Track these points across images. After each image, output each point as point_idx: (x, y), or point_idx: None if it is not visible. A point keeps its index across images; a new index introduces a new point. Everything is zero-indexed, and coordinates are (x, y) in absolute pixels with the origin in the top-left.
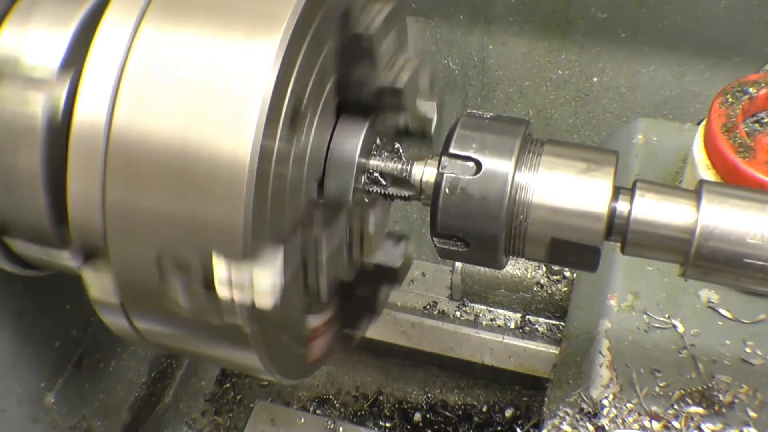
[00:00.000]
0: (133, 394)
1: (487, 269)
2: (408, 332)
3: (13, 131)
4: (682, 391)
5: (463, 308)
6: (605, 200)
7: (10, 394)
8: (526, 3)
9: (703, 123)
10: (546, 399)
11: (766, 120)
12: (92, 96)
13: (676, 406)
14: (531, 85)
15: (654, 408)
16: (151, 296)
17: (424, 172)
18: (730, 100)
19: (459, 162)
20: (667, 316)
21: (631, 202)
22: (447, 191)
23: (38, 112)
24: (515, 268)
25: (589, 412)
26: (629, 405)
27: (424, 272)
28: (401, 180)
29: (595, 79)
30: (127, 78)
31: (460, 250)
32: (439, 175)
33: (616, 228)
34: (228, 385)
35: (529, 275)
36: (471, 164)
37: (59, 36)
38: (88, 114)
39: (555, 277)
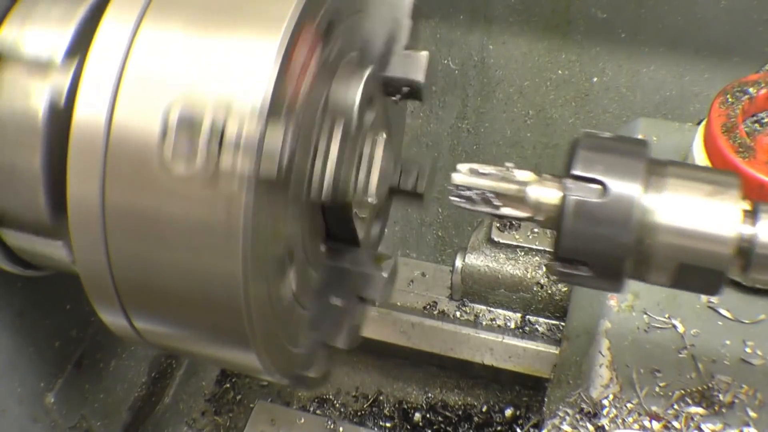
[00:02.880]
0: (133, 394)
1: (486, 269)
2: (408, 332)
3: (15, 119)
4: (682, 391)
5: (463, 308)
6: (734, 224)
7: (11, 394)
8: (526, 3)
9: (703, 123)
10: (546, 399)
11: (766, 120)
12: (93, 89)
13: (676, 406)
14: (531, 85)
15: (654, 408)
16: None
17: (542, 192)
18: (730, 100)
19: (584, 184)
20: (667, 316)
21: (754, 225)
22: (573, 214)
23: (41, 100)
24: (515, 267)
25: (589, 412)
26: (629, 405)
27: (424, 272)
28: (516, 199)
29: (595, 79)
30: (128, 72)
31: (584, 274)
32: (564, 198)
33: (741, 251)
34: (228, 385)
35: (529, 275)
36: (596, 186)
37: (62, 28)
38: (90, 105)
39: (555, 277)
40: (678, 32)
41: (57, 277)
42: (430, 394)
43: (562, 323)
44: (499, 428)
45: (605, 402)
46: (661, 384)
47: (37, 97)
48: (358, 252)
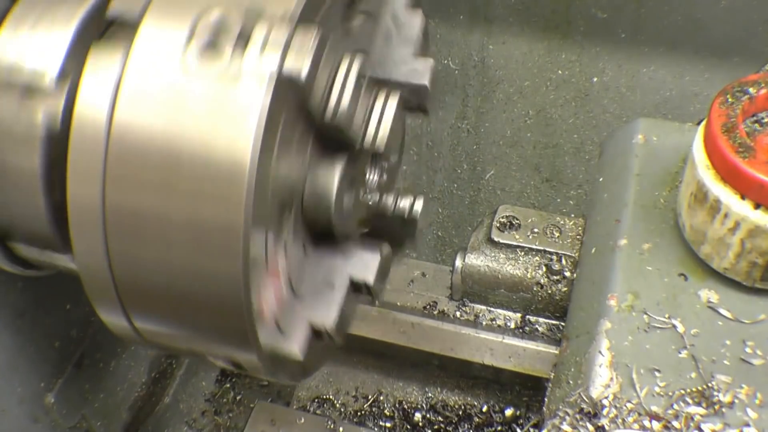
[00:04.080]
0: (133, 394)
1: (486, 269)
2: (408, 332)
3: (12, 139)
4: (682, 391)
5: (463, 308)
6: None
7: (11, 394)
8: (526, 3)
9: (703, 123)
10: (546, 399)
11: (766, 120)
12: (91, 102)
13: (676, 406)
14: (531, 85)
15: (654, 408)
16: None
17: None
18: (730, 100)
19: None
20: (666, 316)
21: None
22: None
23: (37, 121)
24: (515, 267)
25: (589, 412)
26: (629, 405)
27: (424, 272)
28: None
29: (595, 79)
30: (126, 81)
31: None
32: None
33: None
34: (228, 385)
35: (529, 275)
36: None
37: (58, 39)
38: (88, 119)
39: (555, 277)
40: (678, 32)
41: (57, 277)
42: (430, 394)
43: (562, 323)
44: (499, 428)
45: (605, 402)
46: (661, 384)
47: (34, 115)
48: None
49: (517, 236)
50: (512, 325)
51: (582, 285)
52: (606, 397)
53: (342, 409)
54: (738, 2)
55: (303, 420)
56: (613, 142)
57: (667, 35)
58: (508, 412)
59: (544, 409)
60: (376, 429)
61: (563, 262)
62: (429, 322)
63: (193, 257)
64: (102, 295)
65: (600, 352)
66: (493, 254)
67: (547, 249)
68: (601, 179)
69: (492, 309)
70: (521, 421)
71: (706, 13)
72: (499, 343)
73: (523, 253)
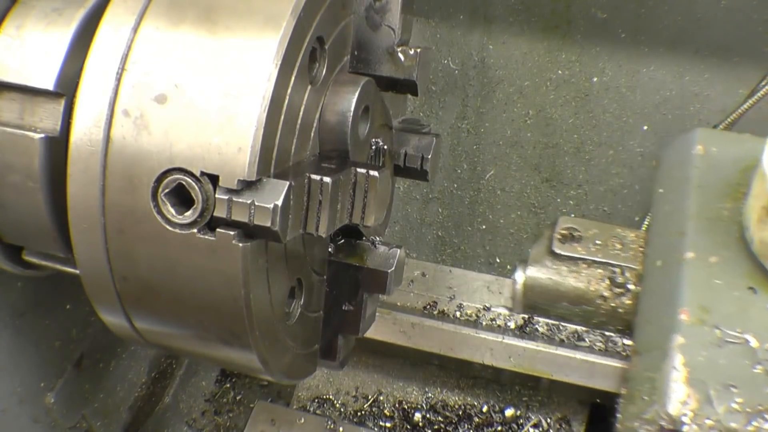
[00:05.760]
0: (133, 394)
1: (549, 282)
2: (408, 332)
3: (12, 140)
4: (760, 407)
5: (463, 308)
6: None
7: (11, 394)
8: (526, 3)
9: None
10: (618, 415)
11: None
12: (90, 106)
13: (755, 423)
14: (531, 85)
15: (733, 425)
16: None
17: None
18: None
19: None
20: (739, 330)
21: None
22: None
23: (37, 122)
24: (578, 280)
25: (670, 429)
26: (708, 422)
27: (424, 272)
28: None
29: (595, 79)
30: (123, 88)
31: None
32: None
33: None
34: (228, 385)
35: (592, 288)
36: None
37: (58, 40)
38: (86, 126)
39: (618, 290)
40: (678, 32)
41: (57, 277)
42: (430, 394)
43: (563, 324)
44: (499, 428)
45: (685, 419)
46: (738, 400)
47: (33, 123)
48: (365, 248)
49: (579, 248)
50: (512, 325)
51: (649, 299)
52: (685, 414)
53: (342, 409)
54: (738, 2)
55: (303, 420)
56: (671, 153)
57: (667, 35)
58: (508, 412)
59: (618, 425)
60: (376, 429)
61: (626, 274)
62: (429, 322)
63: (192, 256)
64: (102, 295)
65: (674, 367)
66: (555, 267)
67: (611, 261)
68: (660, 190)
69: (492, 309)
70: (521, 421)
71: (706, 13)
72: (499, 343)
73: (585, 265)
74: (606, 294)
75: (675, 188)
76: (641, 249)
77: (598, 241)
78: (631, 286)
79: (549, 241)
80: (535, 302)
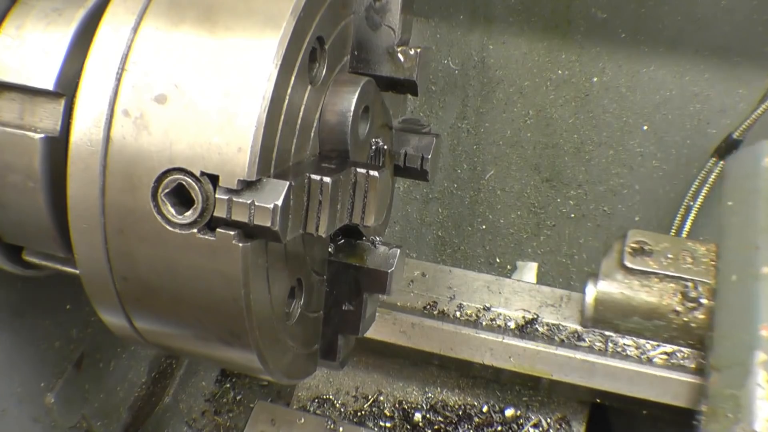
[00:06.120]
0: (133, 394)
1: (621, 296)
2: (408, 332)
3: (12, 140)
4: None
5: (463, 308)
6: None
7: (11, 394)
8: (526, 3)
9: None
10: None
11: None
12: (90, 106)
13: None
14: (531, 85)
15: None
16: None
17: None
18: None
19: None
20: None
21: None
22: None
23: (37, 122)
24: (650, 294)
25: None
26: None
27: (424, 272)
28: None
29: (595, 79)
30: (123, 88)
31: None
32: None
33: None
34: (228, 385)
35: (664, 302)
36: None
37: (58, 40)
38: (86, 126)
39: (691, 305)
40: (678, 32)
41: (57, 277)
42: (430, 394)
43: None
44: (499, 428)
45: None
46: None
47: (33, 125)
48: (365, 248)
49: (651, 262)
50: (512, 326)
51: (725, 314)
52: None
53: (342, 409)
54: (738, 2)
55: (303, 420)
56: (738, 165)
57: (667, 35)
58: (508, 412)
59: None
60: (376, 429)
61: (699, 289)
62: (429, 322)
63: (192, 256)
64: (102, 295)
65: (759, 384)
66: (627, 281)
67: (683, 276)
68: (730, 203)
69: (492, 309)
70: (521, 421)
71: (706, 13)
72: (499, 343)
73: (657, 279)
74: (679, 308)
75: (744, 201)
76: (713, 263)
77: (669, 255)
78: (704, 301)
79: (619, 254)
80: (606, 316)
